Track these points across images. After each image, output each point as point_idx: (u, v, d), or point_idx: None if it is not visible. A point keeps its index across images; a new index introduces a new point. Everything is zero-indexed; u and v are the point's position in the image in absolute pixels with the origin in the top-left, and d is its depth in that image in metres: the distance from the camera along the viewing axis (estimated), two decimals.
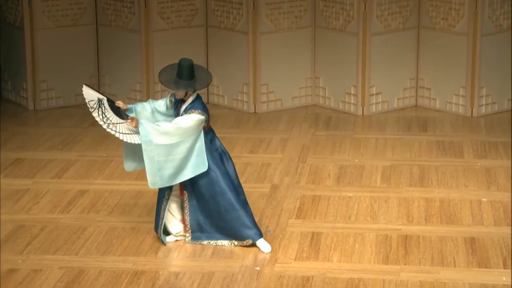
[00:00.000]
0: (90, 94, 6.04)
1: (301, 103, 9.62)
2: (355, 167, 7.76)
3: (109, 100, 6.08)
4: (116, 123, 6.01)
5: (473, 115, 9.24)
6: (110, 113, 6.03)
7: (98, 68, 9.75)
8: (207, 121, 6.11)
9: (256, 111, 9.45)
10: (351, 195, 7.14)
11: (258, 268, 5.93)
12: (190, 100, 6.09)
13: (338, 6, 9.27)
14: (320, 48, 9.51)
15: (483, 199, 7.04)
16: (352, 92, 9.37)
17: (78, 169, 7.74)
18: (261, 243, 6.16)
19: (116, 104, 6.07)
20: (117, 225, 6.57)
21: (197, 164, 6.03)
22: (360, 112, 9.34)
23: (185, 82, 6.01)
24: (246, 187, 7.30)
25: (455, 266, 5.95)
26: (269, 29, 9.34)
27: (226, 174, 6.12)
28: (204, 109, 6.08)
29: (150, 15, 9.35)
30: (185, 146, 6.00)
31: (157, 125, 5.95)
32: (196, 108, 6.05)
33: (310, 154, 8.12)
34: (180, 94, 6.09)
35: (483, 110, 9.29)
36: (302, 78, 9.59)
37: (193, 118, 6.00)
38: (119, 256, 6.10)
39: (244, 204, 6.17)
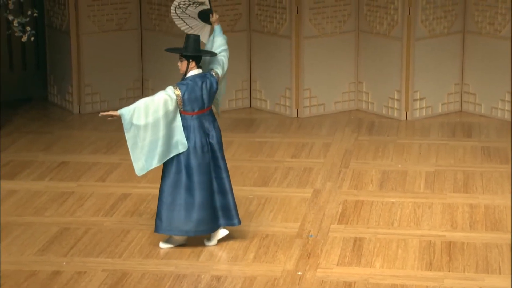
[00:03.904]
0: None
1: (344, 107, 9.58)
2: (398, 173, 7.70)
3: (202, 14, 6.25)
4: (183, 6, 6.16)
5: None
6: (192, 10, 6.21)
7: (142, 72, 9.82)
8: (181, 100, 5.98)
9: (298, 115, 9.43)
10: (394, 200, 7.09)
11: (300, 273, 5.91)
12: (188, 74, 6.07)
13: (382, 10, 9.22)
14: (363, 52, 9.46)
15: None
16: (395, 97, 9.30)
17: (121, 173, 7.80)
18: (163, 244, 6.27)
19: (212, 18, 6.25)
20: None
21: (177, 143, 6.06)
22: (403, 117, 9.27)
23: (191, 50, 6.01)
24: (288, 192, 7.31)
25: (500, 273, 5.87)
26: (312, 33, 9.32)
27: (182, 163, 6.09)
28: (186, 87, 5.98)
29: None
30: (164, 122, 5.96)
31: (133, 105, 5.97)
32: (179, 84, 6.03)
33: (352, 159, 8.08)
34: (182, 67, 6.07)
35: None
36: (345, 83, 9.55)
37: (162, 92, 5.97)
38: (162, 259, 6.13)
39: (173, 195, 6.13)
